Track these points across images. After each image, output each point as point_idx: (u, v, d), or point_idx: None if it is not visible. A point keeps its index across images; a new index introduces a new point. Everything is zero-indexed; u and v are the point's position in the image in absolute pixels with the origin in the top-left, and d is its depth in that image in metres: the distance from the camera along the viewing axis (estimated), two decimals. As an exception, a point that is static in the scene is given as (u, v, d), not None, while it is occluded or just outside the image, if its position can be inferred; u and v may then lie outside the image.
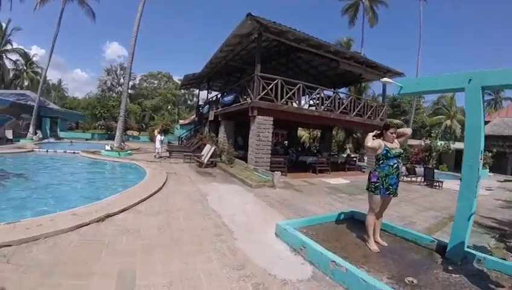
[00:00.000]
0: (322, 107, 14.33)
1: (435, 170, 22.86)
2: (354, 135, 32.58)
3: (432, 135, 30.27)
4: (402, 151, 4.70)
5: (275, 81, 12.34)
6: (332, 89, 16.95)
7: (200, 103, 29.11)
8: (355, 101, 16.45)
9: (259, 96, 11.79)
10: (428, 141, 28.40)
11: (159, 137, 16.33)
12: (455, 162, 27.78)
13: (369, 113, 16.90)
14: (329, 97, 14.93)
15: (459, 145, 27.04)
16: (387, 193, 4.48)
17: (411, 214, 7.78)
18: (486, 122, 25.75)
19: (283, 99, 12.56)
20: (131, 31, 17.29)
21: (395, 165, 4.45)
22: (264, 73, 12.47)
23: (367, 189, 4.59)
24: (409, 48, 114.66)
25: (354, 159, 19.17)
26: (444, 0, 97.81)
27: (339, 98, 15.46)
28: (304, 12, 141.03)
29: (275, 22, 11.13)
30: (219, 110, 17.10)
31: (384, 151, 4.48)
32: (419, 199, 10.25)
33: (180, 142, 28.01)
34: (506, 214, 9.02)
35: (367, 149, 4.71)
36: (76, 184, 8.89)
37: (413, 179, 15.21)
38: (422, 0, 31.83)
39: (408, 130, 4.83)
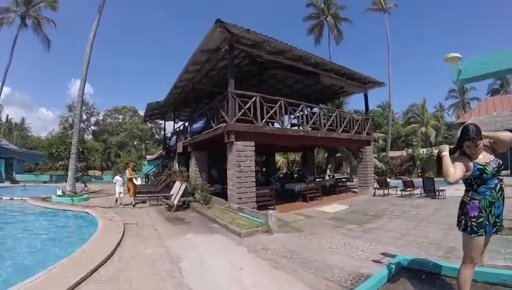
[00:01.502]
0: (307, 125, 12.51)
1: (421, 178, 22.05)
2: (338, 154, 31.25)
3: (414, 143, 29.97)
4: (501, 162, 2.92)
5: (253, 99, 10.44)
6: (317, 105, 15.21)
7: (168, 134, 26.73)
8: (341, 116, 14.92)
9: (235, 118, 9.80)
10: (410, 151, 27.87)
11: (118, 179, 13.13)
12: (437, 167, 26.77)
13: (356, 127, 15.39)
14: (313, 114, 13.19)
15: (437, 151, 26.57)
16: (494, 229, 2.93)
17: (440, 236, 6.63)
18: (461, 124, 25.79)
19: (264, 120, 10.62)
20: (94, 66, 15.73)
21: (498, 187, 2.87)
22: (235, 95, 10.68)
23: (463, 230, 3.03)
24: (377, 61, 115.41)
25: (344, 180, 17.44)
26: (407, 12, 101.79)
27: (324, 114, 13.81)
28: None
29: (248, 30, 9.34)
30: (188, 140, 14.86)
31: (477, 172, 2.84)
32: (435, 215, 9.28)
33: (146, 180, 25.23)
34: None
35: (448, 180, 2.85)
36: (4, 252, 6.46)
37: (412, 191, 14.19)
38: (386, 13, 32.12)
39: (504, 135, 2.97)
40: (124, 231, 7.35)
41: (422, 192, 13.71)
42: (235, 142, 9.61)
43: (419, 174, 26.64)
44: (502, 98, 36.06)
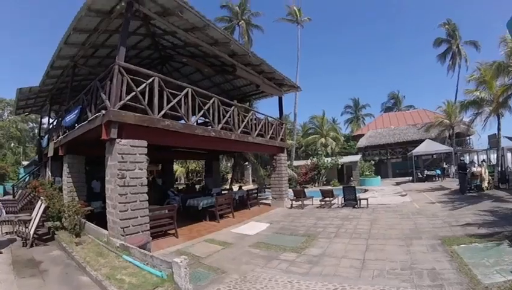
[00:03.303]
0: (219, 125, 10.07)
1: (329, 186, 21.97)
2: (247, 163, 29.53)
3: (319, 152, 30.39)
4: None
5: (150, 80, 7.51)
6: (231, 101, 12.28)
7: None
8: (257, 117, 13.07)
9: (121, 103, 6.76)
10: (315, 159, 27.88)
11: None
12: (338, 176, 28.29)
13: (271, 132, 13.67)
14: (226, 112, 10.72)
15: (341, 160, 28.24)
16: None
17: (404, 256, 5.70)
18: (361, 135, 27.64)
19: (163, 111, 7.73)
20: None
21: None
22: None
23: None
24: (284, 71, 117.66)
25: (255, 191, 15.45)
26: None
27: (238, 113, 11.58)
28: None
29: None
30: (59, 138, 10.82)
31: None
32: (376, 229, 8.32)
33: (13, 192, 19.22)
34: (467, 216, 8.87)
35: None
36: None
37: (331, 201, 13.26)
38: (299, 25, 33.41)
39: None
40: None
41: (343, 201, 12.83)
42: (117, 140, 6.52)
43: (324, 183, 26.80)
44: (396, 114, 41.05)
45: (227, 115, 10.52)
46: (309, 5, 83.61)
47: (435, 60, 38.06)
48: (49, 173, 13.40)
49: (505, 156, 16.67)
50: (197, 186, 21.06)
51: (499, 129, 15.57)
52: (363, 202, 12.26)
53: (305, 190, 16.08)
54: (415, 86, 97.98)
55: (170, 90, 8.03)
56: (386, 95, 57.72)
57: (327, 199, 13.14)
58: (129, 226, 6.47)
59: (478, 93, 15.42)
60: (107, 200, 7.03)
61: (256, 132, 12.39)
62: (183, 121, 8.62)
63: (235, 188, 19.09)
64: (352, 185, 17.88)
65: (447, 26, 34.51)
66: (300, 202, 13.31)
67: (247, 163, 29.11)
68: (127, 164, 6.59)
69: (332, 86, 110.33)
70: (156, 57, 13.29)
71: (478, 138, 26.80)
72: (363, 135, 35.75)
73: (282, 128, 15.06)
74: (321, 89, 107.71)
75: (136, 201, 6.67)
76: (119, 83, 6.83)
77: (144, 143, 6.97)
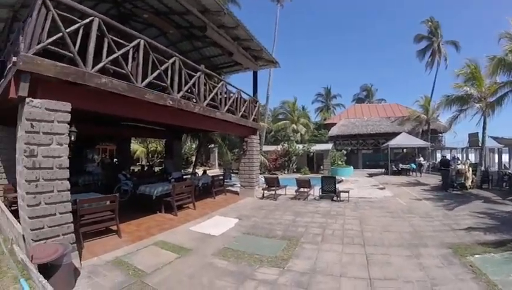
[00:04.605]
0: (180, 93, 7.84)
1: (299, 174, 20.61)
2: (213, 145, 27.33)
3: (291, 138, 29.04)
4: None
5: (87, 20, 5.28)
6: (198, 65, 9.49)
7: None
8: (228, 90, 11.12)
9: (40, 46, 4.54)
10: (286, 145, 26.41)
11: None
12: (307, 164, 26.85)
13: (243, 110, 11.80)
14: (190, 77, 8.43)
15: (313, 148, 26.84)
16: None
17: (419, 273, 4.39)
18: (333, 124, 26.55)
19: (101, 64, 5.46)
20: None
21: None
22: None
23: None
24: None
25: (221, 177, 13.56)
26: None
27: (206, 82, 9.45)
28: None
29: None
30: None
31: None
32: (369, 230, 6.95)
33: None
34: (464, 217, 7.92)
35: None
36: None
37: (308, 193, 11.73)
38: (279, 4, 33.59)
39: None
40: None
41: (320, 193, 11.35)
42: (27, 100, 4.39)
43: (294, 171, 25.50)
44: (369, 106, 40.59)
45: (191, 82, 8.39)
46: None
47: (409, 57, 37.85)
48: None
49: (487, 155, 16.01)
50: (156, 169, 18.81)
51: (484, 128, 14.74)
52: (343, 195, 10.90)
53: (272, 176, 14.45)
54: (386, 81, 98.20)
55: (115, 39, 5.86)
56: (359, 87, 57.55)
57: (303, 189, 11.63)
58: (43, 228, 4.39)
59: (468, 89, 14.56)
60: (17, 188, 4.96)
61: (226, 107, 10.46)
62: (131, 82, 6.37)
63: (200, 172, 17.20)
64: (331, 175, 16.58)
65: (429, 23, 33.92)
66: (273, 192, 11.70)
67: (212, 145, 27.03)
68: (39, 136, 4.44)
69: (303, 76, 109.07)
70: (114, 15, 10.87)
71: (454, 136, 26.68)
72: (334, 124, 34.68)
73: (256, 106, 13.24)
74: (292, 76, 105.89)
75: (52, 191, 4.54)
76: (42, 19, 4.60)
77: (67, 106, 4.80)
